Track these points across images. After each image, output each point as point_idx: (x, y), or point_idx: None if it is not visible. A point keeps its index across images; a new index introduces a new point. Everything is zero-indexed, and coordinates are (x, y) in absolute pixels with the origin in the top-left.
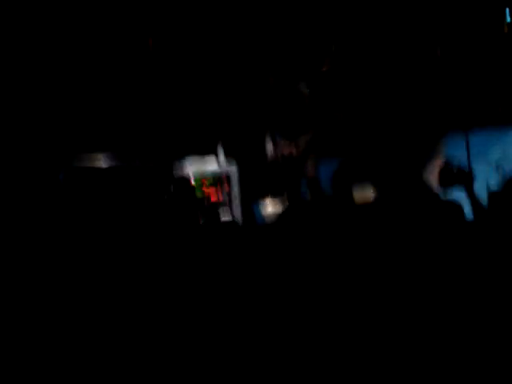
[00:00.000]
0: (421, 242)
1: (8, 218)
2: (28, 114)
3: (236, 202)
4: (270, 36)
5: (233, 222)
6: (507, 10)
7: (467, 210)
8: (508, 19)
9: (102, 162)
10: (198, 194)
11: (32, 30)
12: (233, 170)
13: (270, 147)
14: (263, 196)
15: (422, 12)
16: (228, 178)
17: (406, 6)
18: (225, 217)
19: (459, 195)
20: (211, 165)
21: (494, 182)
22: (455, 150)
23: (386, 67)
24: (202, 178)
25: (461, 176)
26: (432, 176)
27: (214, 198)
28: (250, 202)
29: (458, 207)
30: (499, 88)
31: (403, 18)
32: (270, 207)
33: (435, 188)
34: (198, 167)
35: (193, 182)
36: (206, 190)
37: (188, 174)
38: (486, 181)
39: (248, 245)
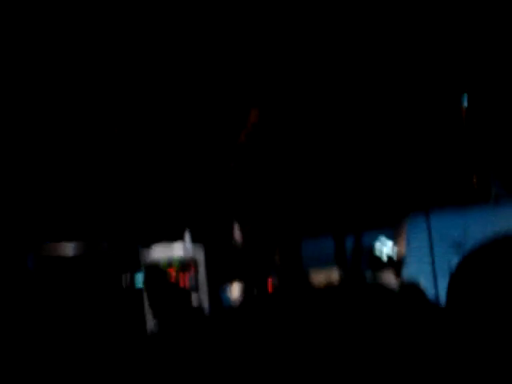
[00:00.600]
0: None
1: None
2: None
3: (203, 288)
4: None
5: (199, 308)
6: (464, 95)
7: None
8: (465, 104)
9: (68, 250)
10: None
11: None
12: (200, 255)
13: (236, 232)
14: (230, 281)
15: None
16: (195, 263)
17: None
18: (192, 302)
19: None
20: (178, 250)
21: (455, 261)
22: (417, 231)
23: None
24: (168, 264)
25: (389, 261)
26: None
27: (181, 284)
28: (217, 287)
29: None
30: (459, 169)
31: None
32: (237, 292)
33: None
34: (165, 252)
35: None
36: (173, 275)
37: (156, 260)
38: (447, 261)
39: (213, 330)
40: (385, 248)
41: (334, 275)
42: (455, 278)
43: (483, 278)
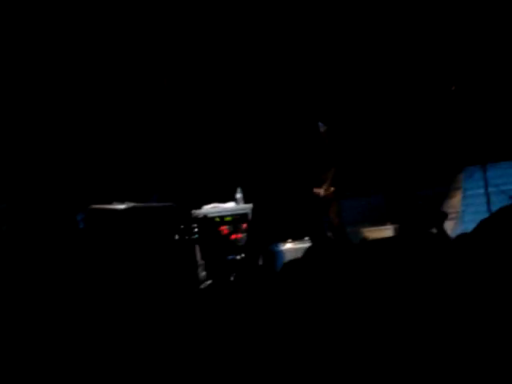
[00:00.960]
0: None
1: (28, 257)
2: (49, 156)
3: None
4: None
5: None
6: None
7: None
8: None
9: (120, 203)
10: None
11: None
12: (251, 209)
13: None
14: (284, 238)
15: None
16: (246, 216)
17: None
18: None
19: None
20: (229, 203)
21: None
22: (473, 183)
23: (403, 106)
24: (220, 217)
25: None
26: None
27: (233, 237)
28: (270, 243)
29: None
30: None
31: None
32: (291, 249)
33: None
34: (217, 205)
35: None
36: (224, 228)
37: (206, 213)
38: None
39: (266, 287)
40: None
41: (388, 232)
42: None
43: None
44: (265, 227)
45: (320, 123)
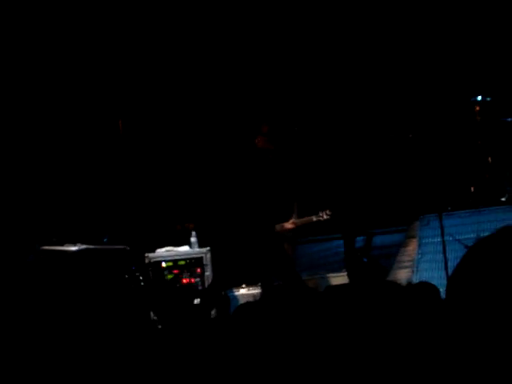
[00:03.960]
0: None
1: None
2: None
3: (209, 288)
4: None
5: (204, 308)
6: (478, 98)
7: None
8: (477, 105)
9: (71, 245)
10: (169, 276)
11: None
12: (206, 253)
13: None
14: (237, 282)
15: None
16: (200, 260)
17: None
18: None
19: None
20: (184, 247)
21: None
22: (429, 232)
23: (365, 150)
24: (173, 260)
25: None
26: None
27: (185, 281)
28: (224, 288)
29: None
30: (471, 172)
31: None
32: (245, 294)
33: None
34: (171, 249)
35: (163, 264)
36: (177, 272)
37: (159, 256)
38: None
39: (218, 332)
40: None
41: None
42: (456, 273)
43: (482, 273)
44: (221, 272)
45: None
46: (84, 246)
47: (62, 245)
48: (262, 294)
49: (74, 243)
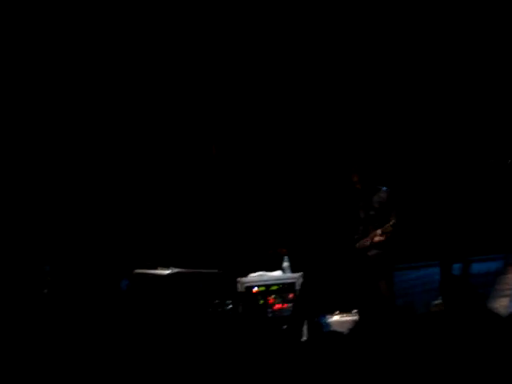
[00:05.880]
0: None
1: (70, 320)
2: (95, 219)
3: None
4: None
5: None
6: None
7: None
8: None
9: (164, 268)
10: (261, 302)
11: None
12: (298, 278)
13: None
14: (330, 310)
15: None
16: (293, 286)
17: None
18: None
19: None
20: (276, 272)
21: None
22: None
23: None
24: (266, 285)
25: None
26: None
27: (277, 306)
28: (317, 314)
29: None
30: None
31: None
32: (338, 321)
33: None
34: (263, 274)
35: (256, 289)
36: (269, 298)
37: (251, 281)
38: None
39: (310, 359)
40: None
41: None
42: None
43: None
44: (312, 297)
45: (384, 188)
46: (176, 270)
47: (156, 268)
48: (359, 320)
49: (167, 266)
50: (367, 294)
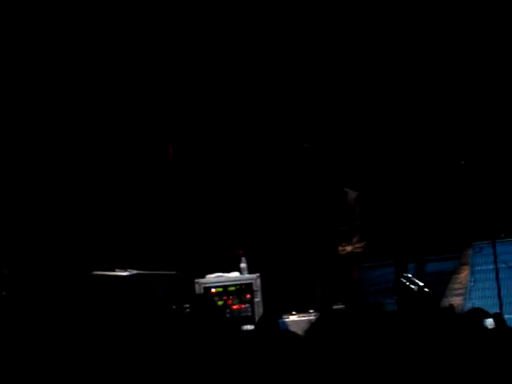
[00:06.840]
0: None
1: (28, 323)
2: (52, 221)
3: (259, 312)
4: None
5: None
6: None
7: None
8: None
9: (122, 270)
10: (219, 303)
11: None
12: (255, 278)
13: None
14: (288, 309)
15: None
16: (250, 286)
17: None
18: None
19: None
20: (234, 273)
21: None
22: (481, 259)
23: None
24: (223, 286)
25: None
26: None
27: (235, 307)
28: (274, 314)
29: None
30: None
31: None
32: (294, 321)
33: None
34: (221, 275)
35: (213, 290)
36: (226, 298)
37: (209, 282)
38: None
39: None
40: None
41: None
42: None
43: None
44: (272, 297)
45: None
46: (135, 271)
47: (113, 270)
48: (319, 318)
49: (125, 269)
50: (335, 290)
